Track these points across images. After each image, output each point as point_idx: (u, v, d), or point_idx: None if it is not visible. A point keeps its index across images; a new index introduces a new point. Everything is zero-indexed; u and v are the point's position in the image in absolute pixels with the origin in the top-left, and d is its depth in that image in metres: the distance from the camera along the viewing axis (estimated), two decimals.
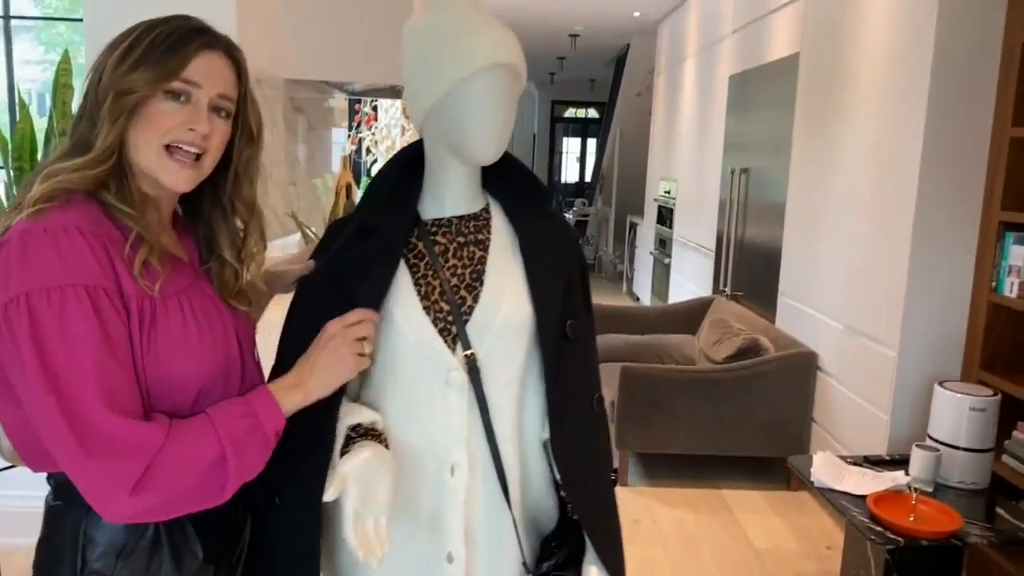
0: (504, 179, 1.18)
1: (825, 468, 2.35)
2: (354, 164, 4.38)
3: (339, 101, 4.14)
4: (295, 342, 1.11)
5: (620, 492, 3.30)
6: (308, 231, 2.95)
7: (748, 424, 3.38)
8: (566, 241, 1.19)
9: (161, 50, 0.93)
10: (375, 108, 4.96)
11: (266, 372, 1.12)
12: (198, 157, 0.98)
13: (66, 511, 0.95)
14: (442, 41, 1.06)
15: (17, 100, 2.43)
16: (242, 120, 1.03)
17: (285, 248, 2.85)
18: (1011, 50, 2.42)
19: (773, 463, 3.49)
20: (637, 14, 7.02)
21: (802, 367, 3.34)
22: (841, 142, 3.20)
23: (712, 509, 3.26)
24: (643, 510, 3.23)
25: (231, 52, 1.01)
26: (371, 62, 2.94)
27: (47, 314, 0.84)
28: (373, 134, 4.70)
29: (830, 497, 2.25)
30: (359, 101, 4.62)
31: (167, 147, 0.96)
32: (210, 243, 1.08)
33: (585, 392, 1.18)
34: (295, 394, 0.98)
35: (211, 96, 0.97)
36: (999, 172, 2.45)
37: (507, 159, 1.16)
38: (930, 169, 2.57)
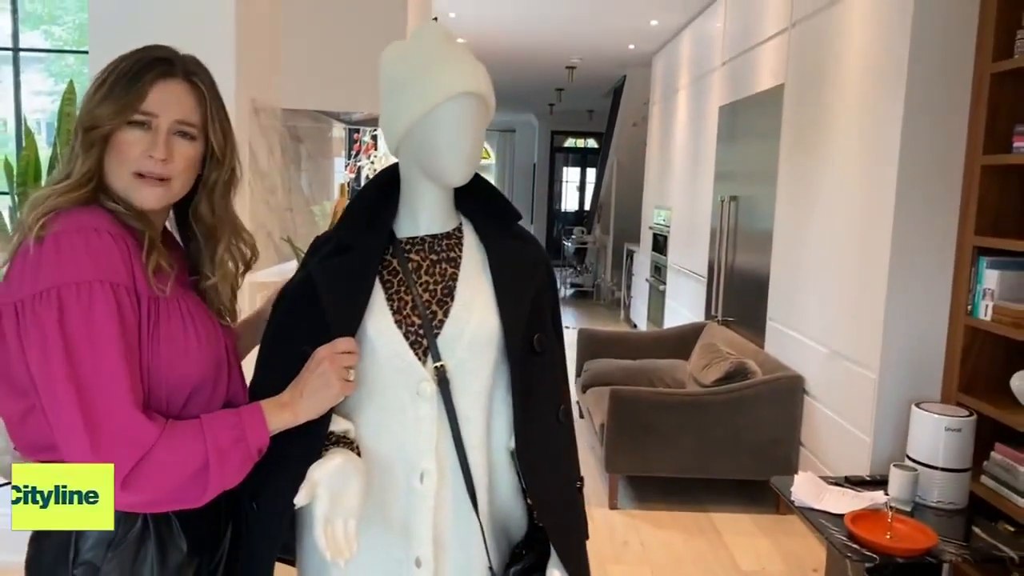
0: (476, 200, 1.25)
1: (806, 488, 2.39)
2: (353, 192, 4.48)
3: (339, 131, 4.25)
4: (273, 351, 1.18)
5: (609, 515, 3.37)
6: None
7: (736, 447, 3.42)
8: (535, 259, 1.25)
9: (122, 84, 1.01)
10: (375, 138, 5.09)
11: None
12: (165, 179, 1.05)
13: None
14: (416, 70, 1.13)
15: (24, 128, 2.53)
16: (208, 141, 1.09)
17: (282, 274, 2.92)
18: (980, 80, 2.51)
19: (762, 486, 3.51)
20: (632, 47, 7.18)
21: (788, 390, 3.39)
22: (822, 170, 3.28)
23: (701, 531, 3.28)
24: (631, 532, 3.26)
25: (191, 78, 1.07)
26: (367, 93, 3.03)
27: (76, 306, 0.92)
28: (372, 163, 4.81)
29: (809, 516, 2.28)
30: (358, 131, 4.75)
31: (136, 174, 1.03)
32: (195, 259, 1.15)
33: (551, 404, 1.23)
34: (284, 413, 1.05)
35: (170, 123, 1.04)
36: (972, 199, 2.53)
37: (479, 181, 1.23)
38: (906, 196, 2.64)
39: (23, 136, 2.59)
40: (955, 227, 2.61)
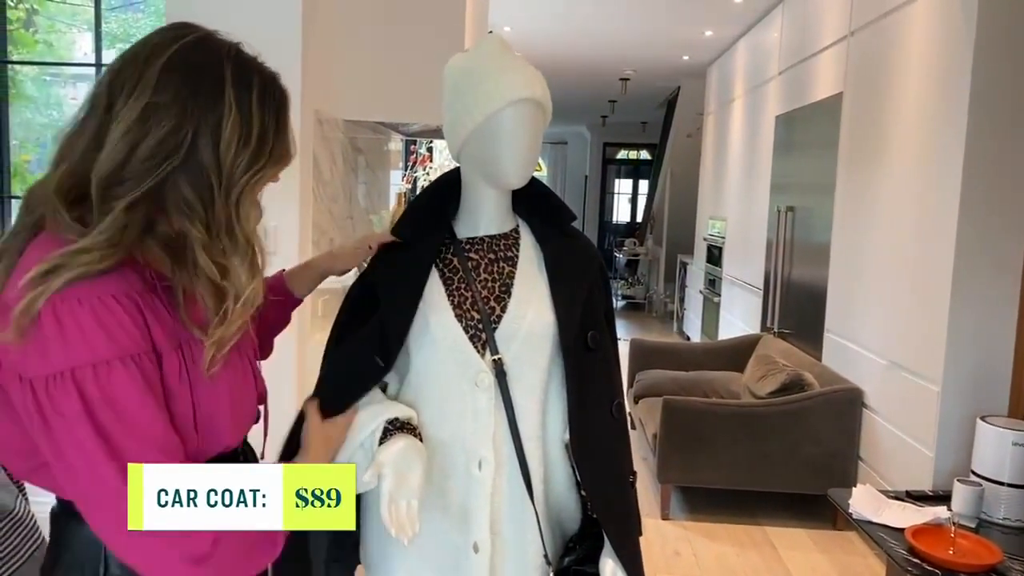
0: (532, 202, 1.30)
1: (864, 501, 2.34)
2: (409, 201, 4.59)
3: (396, 144, 4.36)
4: (339, 347, 1.25)
5: (661, 525, 3.35)
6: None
7: (792, 460, 3.36)
8: (588, 258, 1.30)
9: (273, 139, 0.95)
10: (430, 149, 5.21)
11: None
12: None
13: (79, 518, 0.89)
14: (477, 79, 1.19)
15: None
16: None
17: (341, 280, 3.01)
18: None
19: (819, 501, 3.43)
20: (686, 58, 7.16)
21: (847, 403, 3.32)
22: (882, 179, 3.22)
23: (755, 545, 3.23)
24: (684, 543, 3.23)
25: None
26: (425, 104, 3.11)
27: (95, 391, 0.82)
28: (427, 174, 4.93)
29: (868, 529, 2.24)
30: (415, 142, 4.87)
31: None
32: None
33: (604, 398, 1.26)
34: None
35: None
36: None
37: (535, 184, 1.28)
38: (970, 205, 2.58)
39: None
40: (1023, 236, 2.54)
